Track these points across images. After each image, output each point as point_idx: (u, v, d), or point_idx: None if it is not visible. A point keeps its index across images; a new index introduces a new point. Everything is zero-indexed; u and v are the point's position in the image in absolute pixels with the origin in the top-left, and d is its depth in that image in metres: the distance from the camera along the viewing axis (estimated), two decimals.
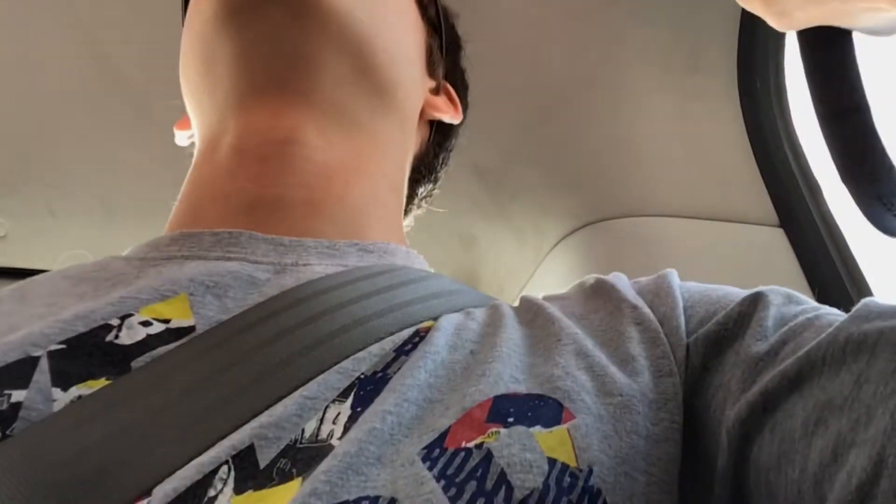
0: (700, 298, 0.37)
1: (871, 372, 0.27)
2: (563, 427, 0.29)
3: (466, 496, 0.25)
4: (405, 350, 0.33)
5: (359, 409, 0.30)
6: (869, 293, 0.58)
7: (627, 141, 0.70)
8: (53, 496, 0.26)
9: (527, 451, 0.27)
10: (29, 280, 0.36)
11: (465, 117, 0.61)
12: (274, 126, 0.42)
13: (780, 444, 0.28)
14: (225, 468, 0.27)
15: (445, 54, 0.57)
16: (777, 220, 0.66)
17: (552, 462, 0.27)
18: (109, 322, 0.32)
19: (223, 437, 0.28)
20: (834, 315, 0.31)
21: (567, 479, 0.27)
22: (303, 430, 0.29)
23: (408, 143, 0.51)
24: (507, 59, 0.69)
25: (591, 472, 0.28)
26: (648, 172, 0.71)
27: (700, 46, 0.63)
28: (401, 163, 0.50)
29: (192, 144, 0.51)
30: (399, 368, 0.32)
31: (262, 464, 0.27)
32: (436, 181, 0.63)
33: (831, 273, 0.60)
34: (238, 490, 0.26)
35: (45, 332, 0.30)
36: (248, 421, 0.29)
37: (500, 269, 0.93)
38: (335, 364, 0.32)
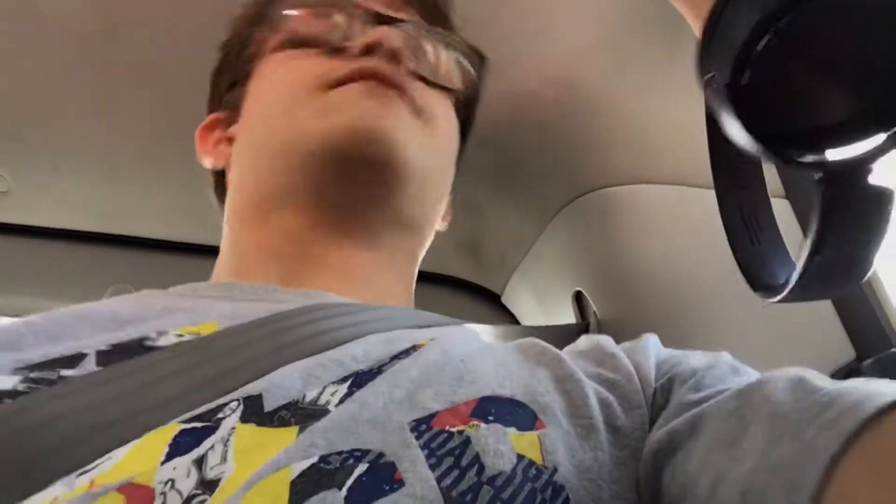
0: (671, 355, 0.43)
1: (752, 416, 0.31)
2: (534, 433, 0.34)
3: (444, 466, 0.30)
4: (400, 356, 0.39)
5: (354, 390, 0.35)
6: None
7: (635, 110, 0.70)
8: (93, 426, 0.30)
9: (500, 444, 0.32)
10: (87, 304, 0.42)
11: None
12: (320, 241, 0.50)
13: (681, 478, 0.33)
14: (235, 403, 0.32)
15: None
16: (783, 192, 0.66)
17: (520, 457, 0.32)
18: (149, 335, 0.38)
19: (234, 391, 0.33)
20: None
21: (533, 471, 0.32)
22: (304, 395, 0.34)
23: (425, 245, 0.59)
24: (517, 27, 0.68)
25: (555, 470, 0.33)
26: (655, 141, 0.71)
27: None
28: (415, 260, 0.58)
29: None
30: (392, 366, 0.37)
31: (267, 409, 0.32)
32: None
33: None
34: (243, 420, 0.31)
35: (97, 338, 0.37)
36: (252, 380, 0.34)
37: (501, 238, 0.93)
38: (334, 347, 0.38)
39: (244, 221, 0.52)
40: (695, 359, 0.42)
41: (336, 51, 0.51)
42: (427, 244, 0.59)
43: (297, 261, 0.49)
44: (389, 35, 0.51)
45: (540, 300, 0.92)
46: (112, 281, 0.92)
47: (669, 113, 0.68)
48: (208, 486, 0.28)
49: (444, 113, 0.55)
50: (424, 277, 1.05)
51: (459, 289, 1.04)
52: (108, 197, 0.87)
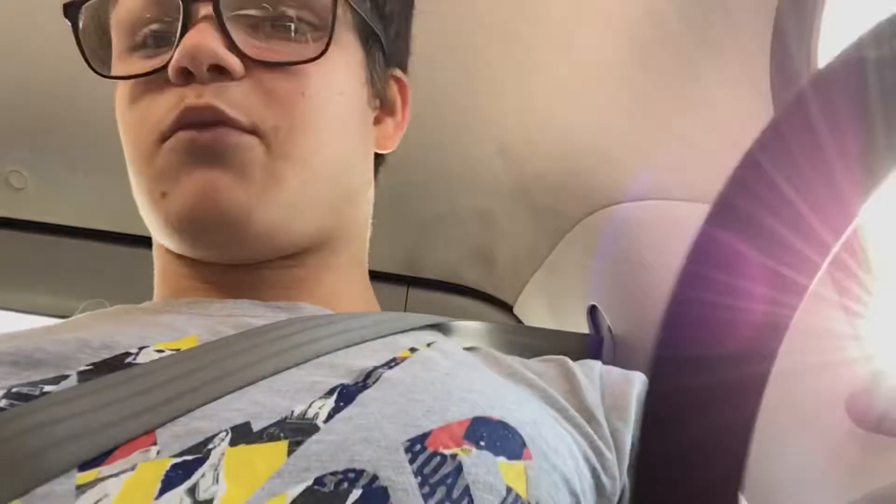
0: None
1: None
2: (521, 463, 0.34)
3: (437, 497, 0.30)
4: (383, 368, 0.39)
5: (342, 405, 0.35)
6: None
7: (650, 126, 0.70)
8: (78, 432, 0.30)
9: (490, 475, 0.32)
10: (64, 321, 0.43)
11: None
12: (248, 285, 0.48)
13: None
14: (223, 433, 0.32)
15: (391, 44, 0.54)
16: None
17: (509, 489, 0.32)
18: (129, 351, 0.37)
19: (214, 400, 0.34)
20: None
21: None
22: (292, 411, 0.34)
23: (366, 216, 0.55)
24: (537, 42, 0.68)
25: None
26: (670, 158, 0.71)
27: (734, 29, 0.62)
28: (357, 258, 0.53)
29: None
30: (377, 380, 0.37)
31: (255, 429, 0.33)
32: None
33: None
34: (233, 444, 0.32)
35: (78, 357, 0.36)
36: (235, 390, 0.35)
37: (516, 249, 0.93)
38: (315, 359, 0.38)
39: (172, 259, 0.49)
40: None
41: (161, 75, 0.43)
42: (360, 235, 0.54)
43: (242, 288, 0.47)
44: (200, 44, 0.41)
45: (553, 312, 0.91)
46: (127, 279, 0.92)
47: (685, 129, 0.68)
48: None
49: (296, 98, 0.44)
50: (437, 285, 1.05)
51: (472, 298, 1.04)
52: (126, 196, 0.87)
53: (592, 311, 0.81)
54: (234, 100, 0.42)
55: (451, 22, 0.64)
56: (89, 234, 0.94)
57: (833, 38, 0.55)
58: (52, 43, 0.72)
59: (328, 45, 0.43)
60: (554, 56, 0.68)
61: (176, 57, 0.41)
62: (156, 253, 0.51)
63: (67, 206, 0.92)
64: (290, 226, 0.45)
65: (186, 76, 0.42)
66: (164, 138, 0.43)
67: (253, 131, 0.43)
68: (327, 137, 0.45)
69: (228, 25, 0.42)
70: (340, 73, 0.47)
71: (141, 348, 0.38)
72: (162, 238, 0.47)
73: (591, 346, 0.75)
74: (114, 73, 0.47)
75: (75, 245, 0.94)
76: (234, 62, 0.42)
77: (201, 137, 0.42)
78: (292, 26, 0.44)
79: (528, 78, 0.70)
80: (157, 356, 0.37)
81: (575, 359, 0.49)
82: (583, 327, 0.82)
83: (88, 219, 0.93)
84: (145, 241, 0.93)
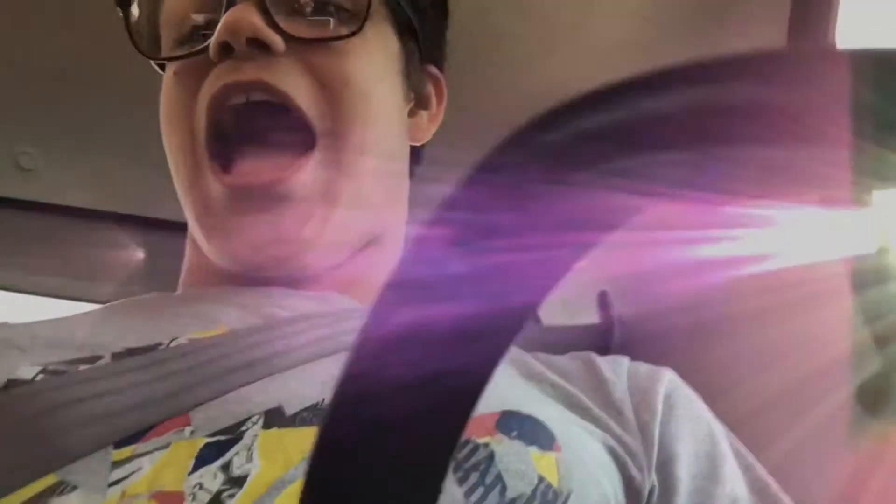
0: (676, 429, 0.42)
1: None
2: (552, 454, 0.35)
3: (471, 482, 0.31)
4: None
5: None
6: None
7: None
8: (112, 409, 0.31)
9: (521, 463, 0.33)
10: (98, 309, 0.45)
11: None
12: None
13: None
14: (256, 416, 0.33)
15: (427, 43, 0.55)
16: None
17: (541, 478, 0.33)
18: (161, 341, 0.38)
19: (246, 385, 0.35)
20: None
21: (550, 494, 0.33)
22: (323, 399, 0.35)
23: (405, 209, 0.55)
24: (550, 15, 0.67)
25: (568, 496, 0.34)
26: None
27: (752, 6, 0.62)
28: (402, 229, 0.54)
29: None
30: None
31: (288, 414, 0.34)
32: None
33: None
34: (266, 427, 0.33)
35: (112, 342, 0.38)
36: (266, 377, 0.36)
37: None
38: (342, 351, 0.39)
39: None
40: (689, 459, 0.41)
41: (202, 59, 0.44)
42: (399, 228, 0.54)
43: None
44: (239, 17, 0.41)
45: (563, 298, 0.91)
46: (139, 263, 0.92)
47: None
48: (236, 482, 0.29)
49: (342, 88, 0.45)
50: None
51: None
52: (137, 178, 0.87)
53: (602, 298, 0.81)
54: (281, 73, 0.43)
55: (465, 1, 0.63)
56: (99, 215, 0.94)
57: (851, 20, 0.54)
58: (63, 23, 0.72)
59: (365, 20, 0.44)
60: (570, 36, 0.68)
61: (216, 33, 0.42)
62: (189, 245, 0.51)
63: (77, 187, 0.91)
64: (343, 242, 0.47)
65: (227, 52, 0.42)
66: (210, 136, 0.44)
67: (307, 124, 0.44)
68: (371, 130, 0.47)
69: (269, 6, 0.43)
70: (379, 59, 0.48)
71: (174, 338, 0.39)
72: (205, 251, 0.47)
73: (600, 335, 0.75)
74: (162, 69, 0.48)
75: (85, 227, 0.94)
76: (273, 35, 0.42)
77: (260, 179, 0.43)
78: (331, 15, 0.45)
79: (543, 57, 0.70)
80: (188, 342, 0.38)
81: (584, 349, 0.49)
82: (593, 315, 0.82)
83: (98, 201, 0.93)
84: (156, 225, 0.94)
